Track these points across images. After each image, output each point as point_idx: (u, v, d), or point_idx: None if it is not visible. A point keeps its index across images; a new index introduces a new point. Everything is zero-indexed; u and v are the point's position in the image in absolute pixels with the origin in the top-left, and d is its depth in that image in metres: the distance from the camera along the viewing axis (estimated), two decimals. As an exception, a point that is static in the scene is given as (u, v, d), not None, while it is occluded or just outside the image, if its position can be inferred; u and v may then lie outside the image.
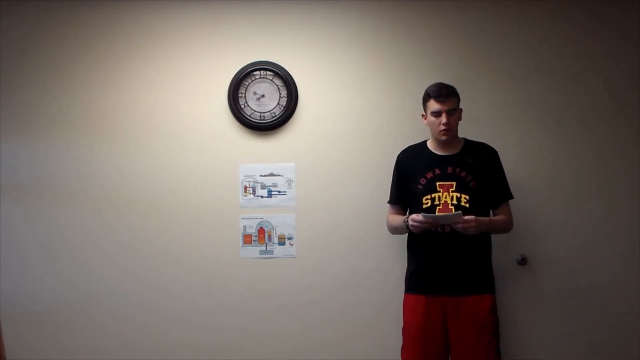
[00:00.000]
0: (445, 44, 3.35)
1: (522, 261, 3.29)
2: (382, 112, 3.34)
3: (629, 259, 3.31)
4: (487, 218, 2.99)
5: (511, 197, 3.08)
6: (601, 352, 3.29)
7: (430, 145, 3.09)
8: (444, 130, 2.94)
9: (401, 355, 3.02)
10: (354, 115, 3.36)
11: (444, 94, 2.93)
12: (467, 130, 3.25)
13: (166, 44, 3.36)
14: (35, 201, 3.33)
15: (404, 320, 3.03)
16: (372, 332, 3.25)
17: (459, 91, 3.19)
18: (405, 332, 3.02)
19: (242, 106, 3.34)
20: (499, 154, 3.21)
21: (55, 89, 3.34)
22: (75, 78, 3.35)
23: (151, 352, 3.32)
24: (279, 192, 3.36)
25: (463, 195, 2.95)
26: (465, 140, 3.09)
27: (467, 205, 2.93)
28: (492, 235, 3.11)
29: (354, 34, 3.37)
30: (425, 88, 3.02)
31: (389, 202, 3.16)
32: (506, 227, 3.08)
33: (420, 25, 3.36)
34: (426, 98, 3.00)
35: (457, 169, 2.98)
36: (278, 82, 3.35)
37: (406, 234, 3.08)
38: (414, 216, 2.90)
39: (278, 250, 3.36)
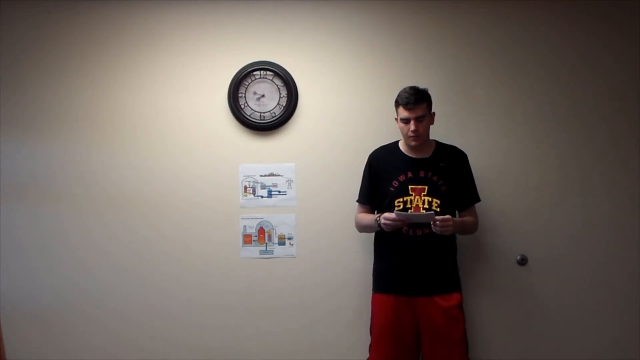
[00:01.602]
0: (445, 43, 3.35)
1: (522, 261, 3.29)
2: (382, 112, 3.33)
3: (629, 259, 3.31)
4: (460, 219, 3.04)
5: (478, 200, 3.12)
6: (595, 354, 3.30)
7: (402, 146, 3.11)
8: (412, 137, 2.97)
9: (369, 352, 3.07)
10: (354, 115, 3.36)
11: (412, 102, 2.94)
12: (467, 129, 3.27)
13: (166, 44, 3.36)
14: (35, 201, 3.33)
15: (372, 319, 3.08)
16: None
17: (458, 90, 3.21)
18: (373, 330, 3.07)
19: (242, 106, 3.34)
20: (499, 153, 3.23)
21: (56, 89, 3.34)
22: (75, 78, 3.34)
23: (151, 352, 3.32)
24: (279, 192, 3.36)
25: (435, 200, 2.98)
26: (437, 142, 3.11)
27: (439, 209, 2.97)
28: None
29: (354, 34, 3.37)
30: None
31: (357, 200, 3.19)
32: (473, 229, 3.13)
33: (420, 25, 3.36)
34: (396, 104, 3.02)
35: (429, 173, 3.01)
36: (278, 82, 3.35)
37: (372, 235, 3.11)
38: (387, 214, 2.93)
39: (278, 250, 3.36)
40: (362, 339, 3.26)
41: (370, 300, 3.14)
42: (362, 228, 3.17)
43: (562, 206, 3.33)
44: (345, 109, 3.36)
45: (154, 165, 3.35)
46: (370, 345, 3.08)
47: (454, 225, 2.91)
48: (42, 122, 3.34)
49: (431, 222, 2.88)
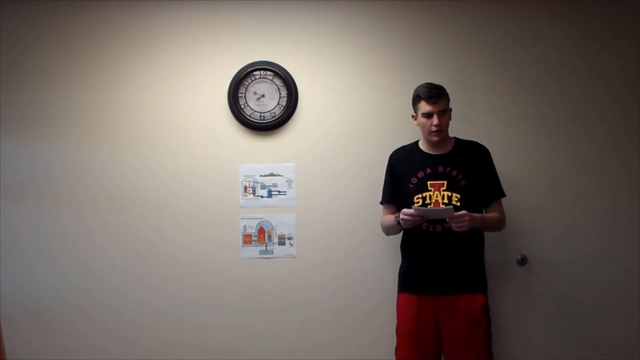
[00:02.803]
0: (445, 43, 3.36)
1: (522, 261, 3.29)
2: (383, 112, 3.34)
3: (629, 259, 3.31)
4: (479, 214, 2.97)
5: (503, 195, 3.08)
6: (596, 354, 3.30)
7: (421, 145, 3.09)
8: (435, 131, 2.95)
9: (395, 354, 3.04)
10: (354, 115, 3.36)
11: (435, 95, 2.92)
12: (467, 129, 3.26)
13: (166, 44, 3.36)
14: (35, 201, 3.33)
15: (397, 320, 3.05)
16: (371, 331, 3.25)
17: (459, 90, 3.21)
18: (398, 331, 3.04)
19: (242, 106, 3.34)
20: (500, 153, 3.22)
21: (56, 89, 3.34)
22: (75, 78, 3.35)
23: (151, 352, 3.32)
24: (279, 192, 3.36)
25: (454, 194, 2.96)
26: (456, 139, 3.09)
27: (459, 204, 2.93)
28: (489, 235, 3.12)
29: (354, 34, 3.37)
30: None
31: (381, 202, 3.17)
32: (498, 225, 3.08)
33: (420, 25, 3.36)
34: (416, 99, 2.99)
35: (448, 168, 2.99)
36: (278, 82, 3.35)
37: (400, 234, 3.09)
38: (405, 210, 2.90)
39: (278, 250, 3.36)
40: (362, 339, 3.26)
41: (372, 299, 3.14)
42: (386, 229, 3.13)
43: (562, 206, 3.33)
44: (345, 109, 3.36)
45: (154, 165, 3.35)
46: (396, 346, 3.04)
47: (472, 221, 2.84)
48: (42, 122, 3.34)
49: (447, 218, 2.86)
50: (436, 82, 3.07)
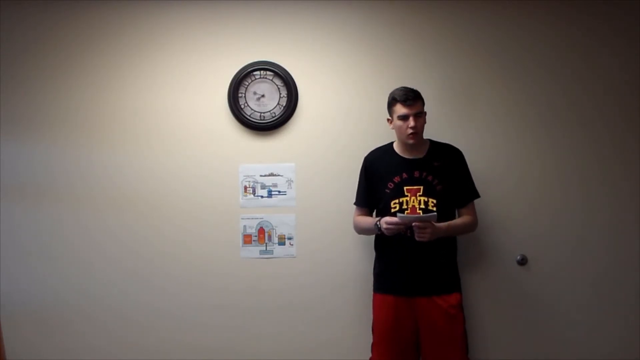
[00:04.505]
0: (446, 44, 3.35)
1: (522, 261, 3.30)
2: (383, 112, 3.32)
3: (629, 260, 3.31)
4: (445, 223, 2.96)
5: (477, 196, 3.10)
6: (597, 355, 3.30)
7: (396, 148, 3.10)
8: (411, 133, 2.95)
9: (372, 352, 3.07)
10: (354, 115, 3.36)
11: (411, 98, 2.93)
12: (467, 129, 3.27)
13: (166, 44, 3.36)
14: (35, 201, 3.33)
15: (374, 318, 3.08)
16: (370, 331, 3.25)
17: (459, 91, 3.22)
18: (375, 330, 3.07)
19: (242, 106, 3.34)
20: (499, 153, 3.22)
21: (56, 89, 3.34)
22: (75, 78, 3.35)
23: (151, 352, 3.32)
24: (279, 192, 3.36)
25: (430, 200, 2.97)
26: (431, 141, 3.10)
27: (435, 208, 2.95)
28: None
29: (354, 34, 3.37)
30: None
31: (355, 203, 3.18)
32: (469, 229, 3.09)
33: (420, 25, 3.36)
34: (392, 102, 3.00)
35: (424, 173, 3.00)
36: (278, 82, 3.35)
37: (373, 235, 3.11)
38: (388, 219, 2.91)
39: (278, 250, 3.36)
40: (362, 339, 3.26)
41: (370, 300, 3.14)
42: (361, 231, 3.17)
43: (562, 206, 3.33)
44: (345, 109, 3.36)
45: (154, 165, 3.35)
46: (372, 344, 3.08)
47: (434, 232, 2.87)
48: (42, 122, 3.34)
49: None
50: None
